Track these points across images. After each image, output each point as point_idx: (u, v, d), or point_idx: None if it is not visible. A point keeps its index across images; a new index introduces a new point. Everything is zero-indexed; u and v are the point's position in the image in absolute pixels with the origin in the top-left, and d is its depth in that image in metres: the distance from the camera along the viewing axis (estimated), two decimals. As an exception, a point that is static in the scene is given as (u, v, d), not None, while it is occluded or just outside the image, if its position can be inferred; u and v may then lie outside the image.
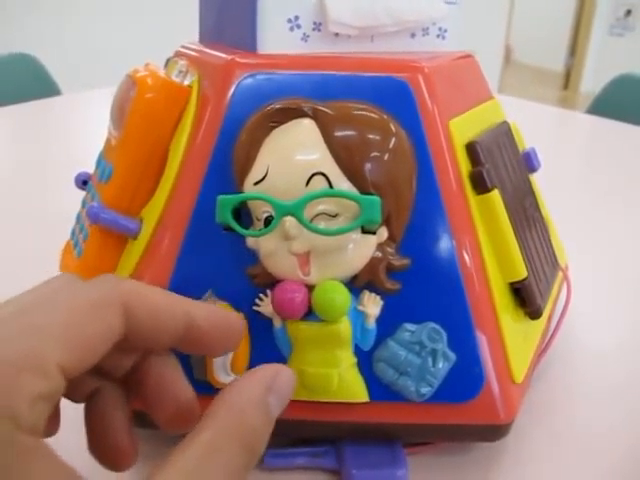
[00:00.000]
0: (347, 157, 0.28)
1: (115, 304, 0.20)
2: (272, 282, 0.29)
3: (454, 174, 0.31)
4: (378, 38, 0.36)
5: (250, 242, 0.29)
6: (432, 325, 0.30)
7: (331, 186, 0.28)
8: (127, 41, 2.58)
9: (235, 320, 0.24)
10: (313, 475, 0.32)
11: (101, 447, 0.22)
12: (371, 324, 0.29)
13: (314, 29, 0.34)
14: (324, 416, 0.30)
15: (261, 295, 0.30)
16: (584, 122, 1.28)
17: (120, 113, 0.34)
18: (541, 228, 0.39)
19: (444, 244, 0.30)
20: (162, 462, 0.18)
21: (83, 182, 0.40)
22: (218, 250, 0.31)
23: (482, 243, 0.32)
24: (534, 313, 0.34)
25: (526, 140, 0.43)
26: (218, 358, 0.30)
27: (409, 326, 0.30)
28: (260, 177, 0.28)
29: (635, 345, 0.45)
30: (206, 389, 0.29)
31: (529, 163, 0.41)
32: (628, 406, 0.38)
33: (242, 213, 0.30)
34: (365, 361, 0.30)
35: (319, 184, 0.28)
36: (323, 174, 0.28)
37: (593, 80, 4.46)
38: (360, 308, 0.29)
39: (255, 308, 0.30)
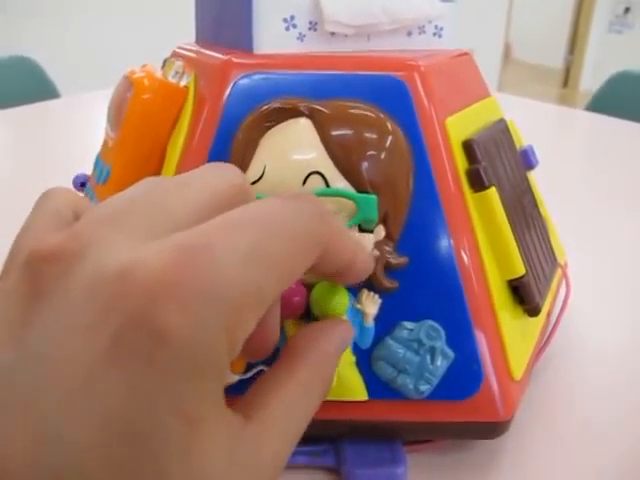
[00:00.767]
0: (344, 156, 0.28)
1: (318, 243, 0.19)
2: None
3: (451, 172, 0.31)
4: (374, 37, 0.36)
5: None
6: (430, 323, 0.30)
7: (328, 185, 0.28)
8: (125, 43, 2.58)
9: (372, 267, 0.24)
10: (312, 474, 0.32)
11: None
12: (369, 323, 0.29)
13: (310, 28, 0.34)
14: (323, 415, 0.30)
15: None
16: (583, 119, 1.28)
17: (117, 114, 0.34)
18: (539, 226, 0.39)
19: (442, 242, 0.30)
20: (264, 385, 0.19)
21: (81, 184, 0.40)
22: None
23: (480, 241, 0.32)
24: (533, 310, 0.34)
25: (525, 138, 0.43)
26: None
27: (407, 324, 0.30)
28: (257, 177, 0.28)
29: (634, 343, 0.45)
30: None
31: (527, 160, 0.41)
32: (628, 403, 0.38)
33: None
34: (364, 359, 0.30)
35: (316, 183, 0.28)
36: (320, 173, 0.28)
37: (592, 77, 4.46)
38: (358, 307, 0.29)
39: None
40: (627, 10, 4.52)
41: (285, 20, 0.33)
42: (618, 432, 0.36)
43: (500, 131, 0.37)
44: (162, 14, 2.66)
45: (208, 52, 0.35)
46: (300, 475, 0.32)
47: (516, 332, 0.33)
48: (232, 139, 0.30)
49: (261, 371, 0.30)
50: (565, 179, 0.83)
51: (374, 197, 0.27)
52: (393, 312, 0.30)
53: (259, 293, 0.16)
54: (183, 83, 0.34)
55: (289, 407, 0.19)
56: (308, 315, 0.28)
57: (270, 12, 0.33)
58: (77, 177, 0.40)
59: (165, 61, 0.40)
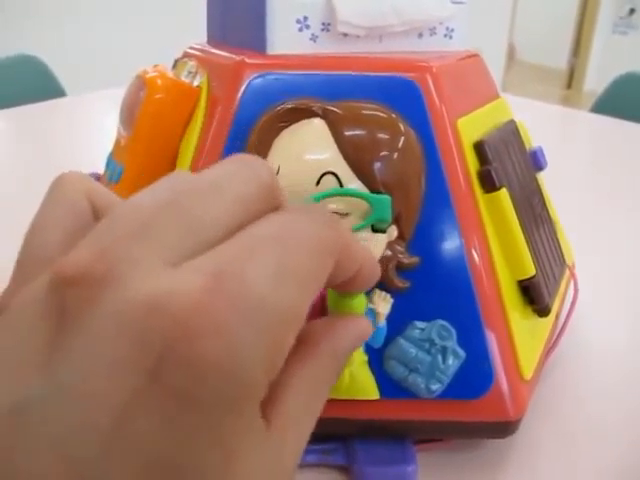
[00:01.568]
0: (357, 156, 0.28)
1: (336, 252, 0.18)
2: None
3: (462, 173, 0.31)
4: (386, 38, 0.36)
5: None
6: (442, 323, 0.30)
7: (341, 185, 0.28)
8: (132, 42, 2.59)
9: (378, 274, 0.23)
10: (323, 472, 0.32)
11: None
12: (382, 322, 0.30)
13: (323, 29, 0.34)
14: (335, 413, 0.30)
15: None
16: (588, 121, 1.28)
17: (130, 114, 0.35)
18: (548, 226, 0.40)
19: (453, 242, 0.31)
20: (281, 386, 0.18)
21: (93, 182, 0.40)
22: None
23: (491, 241, 0.32)
24: (542, 311, 0.34)
25: (535, 143, 0.43)
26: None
27: (419, 324, 0.30)
28: (271, 177, 0.29)
29: (642, 343, 0.45)
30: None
31: (536, 162, 0.41)
32: (636, 403, 0.38)
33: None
34: (376, 359, 0.30)
35: (329, 183, 0.28)
36: (333, 173, 0.28)
37: (596, 79, 4.45)
38: (371, 306, 0.29)
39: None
40: (632, 11, 4.51)
41: (298, 21, 0.33)
42: (626, 432, 0.36)
43: (510, 132, 0.38)
44: (168, 14, 2.66)
45: (221, 52, 0.35)
46: (311, 473, 0.32)
47: (526, 332, 0.33)
48: (245, 139, 0.30)
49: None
50: (570, 180, 0.83)
51: (388, 198, 0.27)
52: (405, 312, 0.30)
53: (294, 311, 0.16)
54: (196, 83, 0.34)
55: (303, 407, 0.18)
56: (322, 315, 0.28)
57: (283, 13, 0.33)
58: (89, 176, 0.40)
59: (176, 61, 0.41)
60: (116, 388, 0.14)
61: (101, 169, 0.40)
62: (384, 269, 0.29)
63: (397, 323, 0.30)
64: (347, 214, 0.28)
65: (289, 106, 0.29)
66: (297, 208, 0.19)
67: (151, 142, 0.34)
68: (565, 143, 1.10)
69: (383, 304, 0.30)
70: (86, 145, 0.96)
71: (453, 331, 0.30)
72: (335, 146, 0.28)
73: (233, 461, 0.15)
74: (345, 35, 0.35)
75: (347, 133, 0.29)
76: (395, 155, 0.29)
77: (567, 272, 0.42)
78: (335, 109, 0.29)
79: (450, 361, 0.30)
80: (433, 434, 0.33)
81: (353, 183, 0.28)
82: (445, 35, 0.39)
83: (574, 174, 0.88)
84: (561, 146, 1.04)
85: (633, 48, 4.38)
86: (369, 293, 0.30)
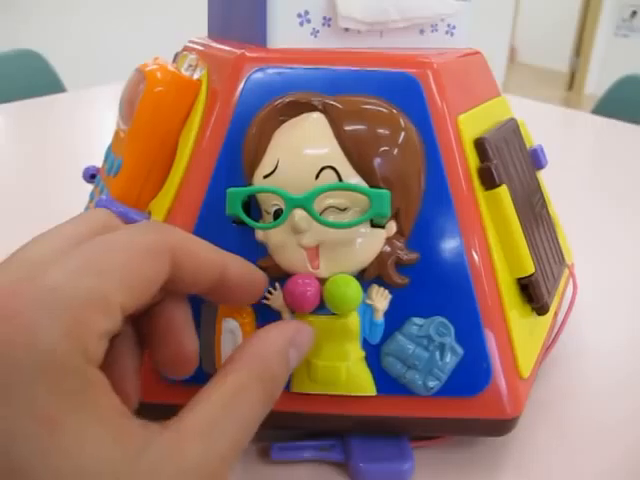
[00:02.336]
0: (357, 151, 0.28)
1: (165, 250, 0.21)
2: (281, 275, 0.29)
3: (463, 169, 0.31)
4: (387, 34, 0.36)
5: (259, 235, 0.29)
6: (440, 319, 0.30)
7: (341, 180, 0.28)
8: (132, 38, 2.59)
9: (260, 277, 0.26)
10: (320, 468, 0.32)
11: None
12: (379, 318, 0.30)
13: (324, 24, 0.34)
14: (332, 409, 0.30)
15: (270, 288, 0.30)
16: (589, 122, 1.28)
17: (129, 107, 0.34)
18: (548, 225, 0.39)
19: (452, 239, 0.30)
20: (196, 397, 0.20)
21: (91, 176, 0.40)
22: (227, 243, 0.30)
23: (490, 239, 0.32)
24: (541, 309, 0.34)
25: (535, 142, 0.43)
26: (226, 351, 0.30)
27: (417, 320, 0.30)
28: (270, 170, 0.28)
29: (640, 343, 0.45)
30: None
31: (536, 160, 0.41)
32: (633, 403, 0.38)
33: (251, 207, 0.30)
34: (373, 355, 0.30)
35: (329, 178, 0.28)
36: (333, 168, 0.28)
37: (598, 81, 4.46)
38: (368, 302, 0.29)
39: (264, 302, 0.30)
40: (634, 14, 4.51)
41: (299, 15, 0.33)
42: (623, 431, 0.36)
43: (511, 130, 0.38)
44: (169, 9, 2.66)
45: (221, 46, 0.35)
46: (307, 469, 0.32)
47: (524, 330, 0.33)
48: (245, 132, 0.30)
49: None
50: (570, 181, 0.83)
51: (387, 192, 0.27)
52: (403, 308, 0.30)
53: (98, 296, 0.18)
54: (196, 76, 0.34)
55: (218, 411, 0.20)
56: (322, 307, 0.28)
57: (284, 7, 0.33)
58: (87, 169, 0.40)
59: (176, 55, 0.41)
60: None
61: (100, 163, 0.40)
62: (383, 265, 0.29)
63: (395, 319, 0.30)
64: (346, 209, 0.28)
65: (289, 100, 0.29)
66: (128, 225, 0.23)
67: (150, 135, 0.34)
68: (566, 144, 1.10)
69: (381, 300, 0.29)
70: (85, 140, 0.96)
71: (451, 328, 0.30)
72: (335, 140, 0.28)
73: (57, 430, 0.16)
74: (346, 30, 0.35)
75: (347, 128, 0.28)
76: (395, 150, 0.29)
77: (566, 271, 0.42)
78: (335, 103, 0.29)
79: (448, 358, 0.30)
80: (430, 431, 0.32)
81: (352, 178, 0.28)
82: (447, 32, 0.39)
83: (575, 175, 0.88)
84: (562, 147, 1.04)
85: (635, 51, 4.38)
86: (367, 288, 0.29)
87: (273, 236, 0.29)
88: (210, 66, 0.34)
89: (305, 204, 0.27)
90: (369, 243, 0.29)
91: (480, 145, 0.32)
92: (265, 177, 0.29)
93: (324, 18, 0.34)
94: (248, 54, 0.32)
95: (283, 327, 0.24)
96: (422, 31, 0.38)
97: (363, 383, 0.30)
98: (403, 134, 0.29)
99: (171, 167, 0.34)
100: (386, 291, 0.30)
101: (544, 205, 0.40)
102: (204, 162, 0.31)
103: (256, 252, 0.30)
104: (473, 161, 0.32)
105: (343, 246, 0.28)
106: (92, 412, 0.17)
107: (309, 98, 0.29)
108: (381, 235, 0.29)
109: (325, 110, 0.29)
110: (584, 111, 1.43)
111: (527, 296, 0.34)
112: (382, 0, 0.35)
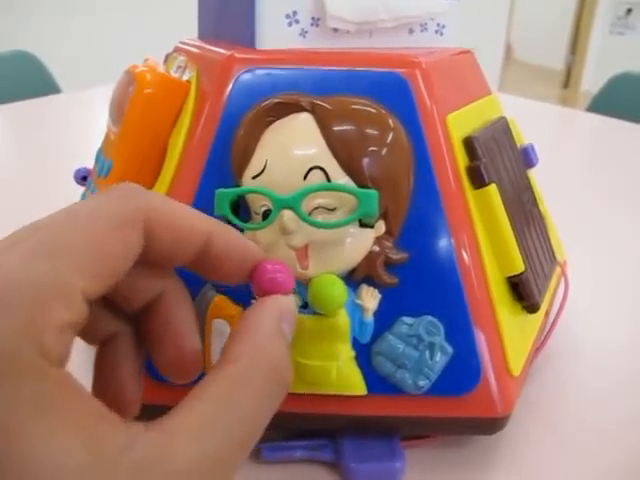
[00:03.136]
0: (345, 151, 0.28)
1: (136, 220, 0.18)
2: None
3: (452, 169, 0.31)
4: (376, 34, 0.36)
5: (248, 236, 0.29)
6: (430, 319, 0.30)
7: (329, 180, 0.28)
8: (127, 39, 2.58)
9: (253, 250, 0.23)
10: (311, 468, 0.32)
11: (105, 393, 0.21)
12: (369, 318, 0.30)
13: (312, 24, 0.34)
14: (322, 409, 0.31)
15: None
16: (584, 119, 1.28)
17: (119, 109, 0.34)
18: (539, 224, 0.39)
19: (441, 238, 0.30)
20: (189, 394, 0.18)
21: (82, 178, 0.40)
22: (217, 244, 0.31)
23: (480, 237, 0.32)
24: (531, 307, 0.34)
25: (526, 138, 0.43)
26: (216, 352, 0.30)
27: (407, 320, 0.30)
28: (258, 171, 0.28)
29: (632, 342, 0.45)
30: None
31: (527, 159, 0.41)
32: (626, 400, 0.38)
33: (240, 208, 0.30)
34: (363, 354, 0.30)
35: (317, 178, 0.28)
36: (321, 168, 0.28)
37: (593, 79, 4.45)
38: (358, 302, 0.29)
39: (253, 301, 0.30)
40: (629, 11, 4.51)
41: (288, 16, 0.33)
42: (615, 429, 0.36)
43: (501, 129, 0.38)
44: (163, 11, 2.66)
45: (210, 47, 0.35)
46: (299, 469, 0.32)
47: (515, 329, 0.33)
48: (234, 133, 0.30)
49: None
50: (565, 179, 0.83)
51: (375, 192, 0.27)
52: (393, 307, 0.30)
53: (54, 282, 0.16)
54: (185, 78, 0.34)
55: (216, 407, 0.17)
56: (308, 308, 0.28)
57: (273, 8, 0.33)
58: (78, 171, 0.40)
59: (167, 56, 0.41)
60: None
61: (92, 165, 0.40)
62: (372, 264, 0.29)
63: (385, 319, 0.30)
64: (334, 209, 0.28)
65: (277, 100, 0.29)
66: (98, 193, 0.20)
67: (140, 137, 0.34)
68: (561, 142, 1.10)
69: (371, 299, 0.29)
70: (80, 141, 0.95)
71: (441, 327, 0.30)
72: (323, 141, 0.28)
73: (14, 441, 0.14)
74: (335, 30, 0.35)
75: (335, 128, 0.28)
76: (384, 150, 0.29)
77: (558, 269, 0.42)
78: (323, 104, 0.29)
79: (438, 357, 0.30)
80: (421, 430, 0.33)
81: (341, 178, 0.28)
82: (436, 31, 0.39)
83: (570, 173, 0.88)
84: (557, 145, 1.04)
85: (630, 48, 4.38)
86: (355, 288, 0.29)
87: (262, 237, 0.29)
88: (199, 67, 0.34)
89: (293, 204, 0.27)
90: (358, 243, 0.29)
91: (469, 144, 0.32)
92: (254, 178, 0.29)
93: (312, 18, 0.34)
94: (237, 55, 0.32)
95: (268, 305, 0.21)
96: (411, 31, 0.38)
97: (353, 383, 0.30)
98: (391, 134, 0.29)
99: (161, 168, 0.34)
100: (375, 291, 0.30)
101: (535, 203, 0.40)
102: (194, 163, 0.31)
103: (246, 253, 0.30)
104: (462, 160, 0.32)
105: (332, 246, 0.28)
106: (55, 416, 0.15)
107: (297, 99, 0.29)
108: (370, 235, 0.29)
109: (313, 110, 0.29)
110: (580, 109, 1.43)
111: (517, 294, 0.34)
112: (371, 0, 0.35)
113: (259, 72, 0.31)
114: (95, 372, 0.22)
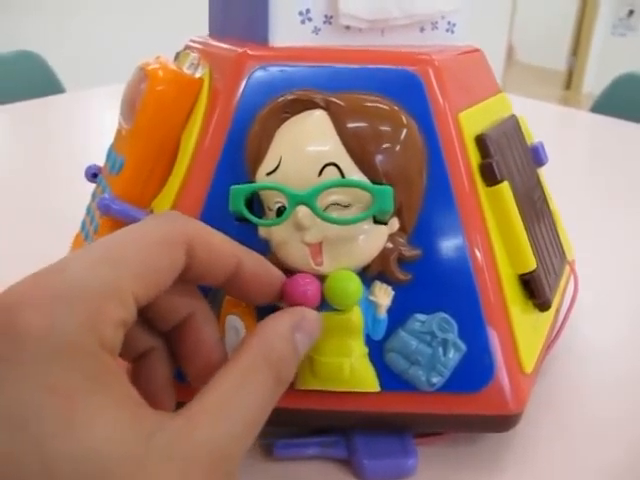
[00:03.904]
0: (359, 148, 0.28)
1: (181, 241, 0.21)
2: (285, 273, 0.29)
3: (464, 166, 0.31)
4: (388, 31, 0.36)
5: (262, 232, 0.29)
6: (443, 315, 0.30)
7: (343, 177, 0.28)
8: (131, 38, 2.58)
9: (277, 274, 0.26)
10: (323, 465, 0.32)
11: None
12: (382, 314, 0.30)
13: (325, 22, 0.34)
14: (335, 405, 0.31)
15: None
16: (587, 120, 1.28)
17: (131, 105, 0.34)
18: (549, 221, 0.40)
19: (454, 235, 0.31)
20: (206, 385, 0.20)
21: (93, 175, 0.40)
22: (230, 241, 0.31)
23: (492, 235, 0.32)
24: (543, 304, 0.34)
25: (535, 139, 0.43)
26: (230, 347, 0.30)
27: (420, 316, 0.30)
28: (273, 167, 0.29)
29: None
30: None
31: (537, 157, 0.41)
32: (634, 398, 0.38)
33: (254, 204, 0.30)
34: (376, 351, 0.30)
35: (331, 175, 0.28)
36: (335, 165, 0.28)
37: (595, 80, 4.46)
38: (371, 298, 0.29)
39: None
40: (631, 13, 4.51)
41: (301, 13, 0.33)
42: (625, 427, 0.36)
43: (511, 127, 0.38)
44: (168, 10, 2.66)
45: (223, 44, 0.35)
46: (311, 465, 0.32)
47: (527, 326, 0.33)
48: (247, 131, 0.30)
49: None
50: (569, 179, 0.83)
51: (389, 188, 0.27)
52: (406, 304, 0.30)
53: (113, 287, 0.19)
54: (198, 75, 0.34)
55: (227, 395, 0.20)
56: (325, 304, 0.28)
57: (286, 5, 0.33)
58: (89, 168, 0.40)
59: (178, 54, 0.41)
60: None
61: (100, 163, 0.40)
62: (386, 261, 0.29)
63: (398, 315, 0.30)
64: (349, 205, 0.28)
65: (291, 97, 0.29)
66: (148, 217, 0.24)
67: (152, 134, 0.34)
68: (564, 142, 1.10)
69: (384, 296, 0.30)
70: (84, 141, 0.96)
71: (454, 324, 0.30)
72: (337, 137, 0.28)
73: (73, 404, 0.17)
74: (347, 28, 0.35)
75: (349, 125, 0.28)
76: (397, 147, 0.29)
77: (567, 268, 0.42)
78: (337, 100, 0.29)
79: (451, 354, 0.30)
80: (433, 427, 0.33)
81: (355, 175, 0.28)
82: (447, 29, 0.39)
83: (573, 173, 0.88)
84: (560, 145, 1.04)
85: (632, 50, 4.38)
86: (369, 285, 0.30)
87: (276, 233, 0.29)
88: (212, 64, 0.34)
89: (308, 201, 0.27)
90: (372, 239, 0.29)
91: (481, 141, 0.32)
92: (268, 174, 0.29)
93: (325, 16, 0.34)
94: (250, 52, 0.32)
95: (288, 313, 0.24)
96: (423, 29, 0.38)
97: (366, 379, 0.30)
98: (405, 131, 0.29)
99: (173, 165, 0.34)
100: (389, 287, 0.30)
101: (545, 201, 0.40)
102: (206, 160, 0.31)
103: (259, 249, 0.30)
104: (474, 158, 0.32)
105: (346, 242, 0.28)
106: (107, 395, 0.17)
107: (311, 95, 0.29)
108: (384, 231, 0.29)
109: (327, 107, 0.29)
110: (582, 110, 1.43)
111: (529, 292, 0.34)
112: (383, -2, 0.35)
113: (272, 69, 0.31)
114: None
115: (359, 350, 0.30)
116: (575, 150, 1.06)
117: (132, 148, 0.34)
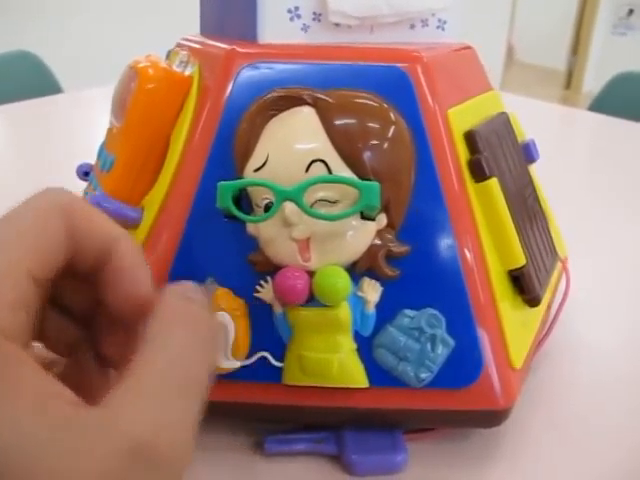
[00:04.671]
0: (347, 145, 0.28)
1: (60, 209, 0.20)
2: (273, 268, 0.29)
3: (453, 162, 0.31)
4: (378, 29, 0.36)
5: (250, 229, 0.30)
6: (431, 311, 0.30)
7: (330, 173, 0.28)
8: (128, 39, 2.58)
9: (148, 281, 0.21)
10: (313, 461, 0.32)
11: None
12: (371, 310, 0.30)
13: (314, 19, 0.34)
14: (324, 401, 0.31)
15: (261, 281, 0.30)
16: (585, 119, 1.28)
17: (121, 103, 0.35)
18: (540, 218, 0.40)
19: (443, 231, 0.31)
20: (129, 370, 0.18)
21: (85, 173, 0.40)
22: (219, 237, 0.31)
23: (481, 231, 0.32)
24: (533, 301, 0.34)
25: (528, 136, 0.43)
26: (219, 344, 0.30)
27: (408, 312, 0.30)
28: (260, 164, 0.29)
29: (631, 338, 0.45)
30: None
31: (528, 154, 0.41)
32: (624, 395, 0.38)
33: (242, 201, 0.30)
34: (365, 347, 0.30)
35: (319, 171, 0.28)
36: (323, 161, 0.28)
37: (595, 80, 4.45)
38: (360, 294, 0.30)
39: (256, 294, 0.30)
40: (631, 12, 4.51)
41: (290, 11, 0.33)
42: (615, 422, 0.36)
43: (502, 124, 0.38)
44: (165, 11, 2.66)
45: (212, 42, 0.35)
46: (301, 462, 0.32)
47: (516, 322, 0.33)
48: (236, 127, 0.30)
49: (263, 357, 0.30)
50: (567, 178, 0.83)
51: (376, 184, 0.27)
52: (394, 300, 0.30)
53: (3, 266, 0.18)
54: (187, 72, 0.34)
55: (151, 377, 0.17)
56: (313, 300, 0.28)
57: (275, 3, 0.33)
58: (80, 166, 0.41)
59: (169, 52, 0.41)
60: None
61: (94, 162, 0.40)
62: (374, 257, 0.29)
63: (387, 311, 0.30)
64: (336, 202, 0.28)
65: (279, 94, 0.29)
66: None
67: (142, 131, 0.34)
68: (563, 141, 1.10)
69: (372, 292, 0.30)
70: (82, 141, 0.96)
71: (442, 320, 0.30)
72: (325, 134, 0.28)
73: None
74: (336, 25, 0.35)
75: (337, 121, 0.29)
76: (385, 144, 0.29)
77: (559, 265, 0.42)
78: (325, 97, 0.29)
79: (439, 350, 0.30)
80: (423, 423, 0.33)
81: (343, 171, 0.28)
82: (437, 27, 0.39)
83: (571, 171, 0.88)
84: (558, 144, 1.04)
85: (632, 49, 4.38)
86: (357, 282, 0.30)
87: (264, 229, 0.29)
88: (201, 62, 0.34)
89: (295, 196, 0.27)
90: (360, 235, 0.29)
91: (470, 137, 0.32)
92: (255, 171, 0.29)
93: (314, 13, 0.34)
94: (239, 49, 0.32)
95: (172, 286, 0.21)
96: (413, 26, 0.38)
97: (355, 375, 0.30)
98: (393, 128, 0.29)
99: (164, 162, 0.34)
100: (377, 283, 0.30)
101: (536, 198, 0.40)
102: (196, 157, 0.32)
103: (248, 246, 0.30)
104: (463, 154, 0.32)
105: (334, 238, 0.28)
106: (10, 386, 0.16)
107: (299, 92, 0.29)
108: (372, 228, 0.29)
109: (315, 104, 0.29)
110: (582, 109, 1.43)
111: (519, 288, 0.34)
112: (372, -5, 0.35)
113: (261, 66, 0.31)
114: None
115: (348, 346, 0.30)
116: (574, 149, 1.06)
117: (122, 146, 0.34)
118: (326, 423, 0.33)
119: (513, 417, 0.32)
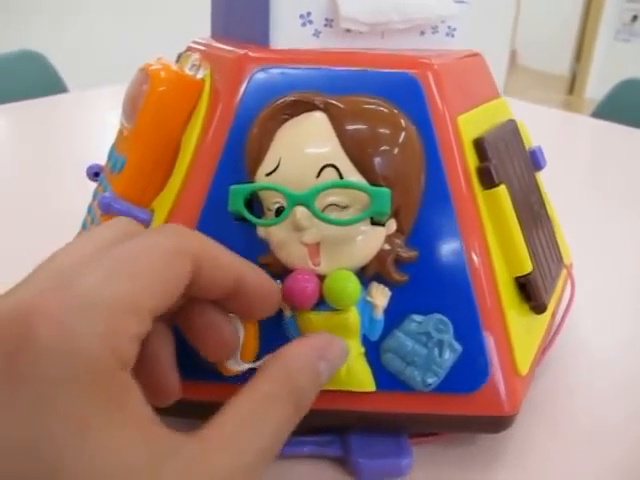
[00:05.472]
0: (358, 150, 0.28)
1: (189, 253, 0.21)
2: (283, 272, 0.29)
3: (462, 169, 0.32)
4: (388, 35, 0.37)
5: (261, 232, 0.30)
6: (439, 316, 0.30)
7: (341, 178, 0.28)
8: (134, 39, 2.59)
9: (275, 289, 0.27)
10: (318, 464, 0.32)
11: (146, 383, 0.23)
12: (379, 315, 0.30)
13: (326, 25, 0.34)
14: (331, 405, 0.31)
15: (271, 285, 0.30)
16: (588, 125, 1.28)
17: (133, 106, 0.35)
18: (546, 225, 0.40)
19: (451, 237, 0.31)
20: (224, 407, 0.20)
21: (95, 174, 0.41)
22: (229, 240, 0.31)
23: (489, 237, 0.32)
24: (539, 307, 0.35)
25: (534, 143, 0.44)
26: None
27: (416, 317, 0.30)
28: (272, 168, 0.29)
29: (637, 344, 0.46)
30: (216, 377, 0.29)
31: (535, 161, 0.41)
32: (632, 401, 0.39)
33: (253, 205, 0.30)
34: (372, 351, 0.30)
35: (330, 176, 0.28)
36: (334, 166, 0.28)
37: (598, 85, 4.46)
38: (368, 299, 0.30)
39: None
40: (634, 18, 4.52)
41: (302, 16, 0.34)
42: (621, 430, 0.36)
43: (510, 131, 0.38)
44: (171, 10, 2.67)
45: (224, 46, 0.36)
46: (306, 465, 0.32)
47: (522, 328, 0.34)
48: (247, 131, 0.30)
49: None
50: (569, 184, 0.83)
51: (387, 190, 0.27)
52: (402, 305, 0.30)
53: (129, 300, 0.19)
54: (199, 76, 0.34)
55: (245, 422, 0.20)
56: (322, 304, 0.29)
57: (287, 8, 0.33)
58: (90, 167, 0.41)
59: (180, 55, 0.41)
60: None
61: (103, 163, 0.41)
62: (383, 262, 0.29)
63: (394, 316, 0.30)
64: (347, 207, 0.28)
65: (291, 99, 0.29)
66: (150, 229, 0.24)
67: (153, 134, 0.34)
68: (565, 147, 1.10)
69: (381, 297, 0.30)
70: (87, 141, 0.96)
71: (450, 325, 0.30)
72: (336, 139, 0.29)
73: (87, 430, 0.16)
74: (348, 31, 0.35)
75: (348, 127, 0.29)
76: (395, 150, 0.29)
77: (564, 271, 0.43)
78: (337, 103, 0.29)
79: (446, 355, 0.30)
80: (428, 427, 0.33)
81: (353, 176, 0.28)
82: (447, 34, 0.39)
83: (574, 177, 0.89)
84: (561, 150, 1.04)
85: (635, 55, 4.38)
86: (366, 287, 0.30)
87: (275, 233, 0.29)
88: (213, 66, 0.35)
89: (307, 201, 0.27)
90: (369, 241, 0.29)
91: (479, 145, 0.33)
92: (267, 175, 0.29)
93: (326, 19, 0.34)
94: (251, 54, 0.32)
95: (314, 340, 0.25)
96: (423, 33, 0.38)
97: (362, 379, 0.30)
98: (403, 134, 0.30)
99: (174, 165, 0.34)
100: (386, 288, 0.30)
101: (542, 205, 0.40)
102: (207, 160, 0.32)
103: (258, 249, 0.30)
104: (472, 161, 0.32)
105: (344, 243, 0.29)
106: (123, 415, 0.17)
107: (311, 97, 0.29)
108: (381, 233, 0.29)
109: (327, 109, 0.29)
110: (585, 115, 1.43)
111: (525, 295, 0.34)
112: (383, 2, 0.35)
113: (273, 71, 0.32)
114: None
115: (356, 350, 0.30)
116: (577, 155, 1.07)
117: (133, 148, 0.35)
118: (332, 426, 0.33)
119: (518, 422, 0.32)
